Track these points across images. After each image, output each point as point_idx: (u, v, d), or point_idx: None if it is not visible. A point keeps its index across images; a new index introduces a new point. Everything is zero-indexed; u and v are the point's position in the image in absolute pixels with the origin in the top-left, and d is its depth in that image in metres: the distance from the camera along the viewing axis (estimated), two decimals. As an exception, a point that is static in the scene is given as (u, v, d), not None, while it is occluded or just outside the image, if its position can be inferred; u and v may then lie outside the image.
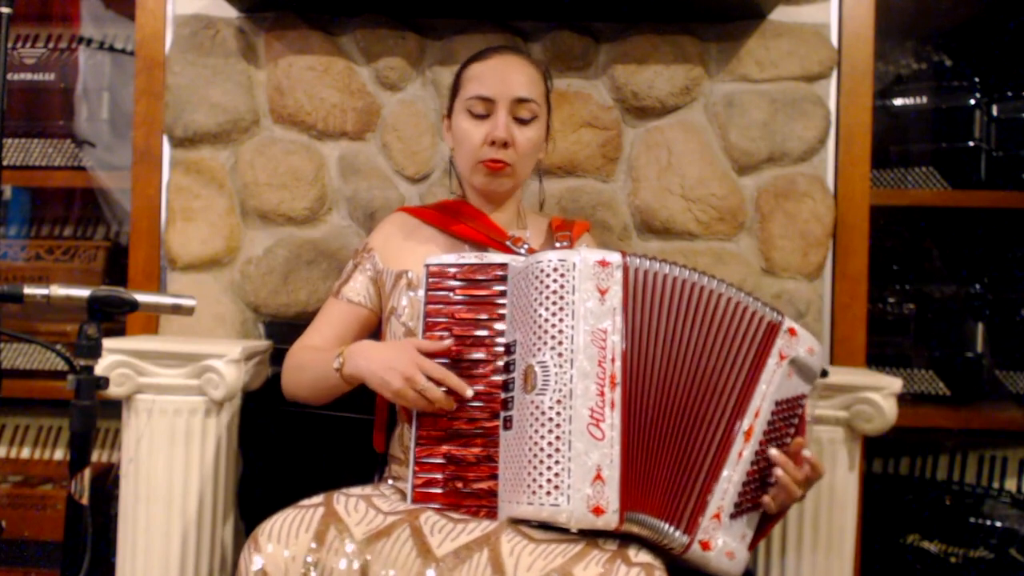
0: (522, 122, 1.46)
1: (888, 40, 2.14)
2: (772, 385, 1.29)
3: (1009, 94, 2.16)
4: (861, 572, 1.90)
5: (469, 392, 1.26)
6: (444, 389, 1.27)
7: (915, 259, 2.29)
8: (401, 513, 1.25)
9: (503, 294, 1.28)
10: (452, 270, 1.31)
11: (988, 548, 2.07)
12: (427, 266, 1.32)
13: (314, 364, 1.44)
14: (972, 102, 2.14)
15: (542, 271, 1.21)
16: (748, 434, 1.27)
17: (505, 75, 1.46)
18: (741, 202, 1.92)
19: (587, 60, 1.93)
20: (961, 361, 2.18)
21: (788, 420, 1.32)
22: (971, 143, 2.13)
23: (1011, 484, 2.19)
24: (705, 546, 1.24)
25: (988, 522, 2.11)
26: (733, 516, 1.27)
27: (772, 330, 1.30)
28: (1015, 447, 2.20)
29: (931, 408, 2.12)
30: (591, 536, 1.18)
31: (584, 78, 1.94)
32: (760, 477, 1.30)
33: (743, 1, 1.83)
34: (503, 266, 1.30)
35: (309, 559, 1.20)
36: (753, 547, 1.33)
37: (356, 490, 1.34)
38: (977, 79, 2.17)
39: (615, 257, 1.22)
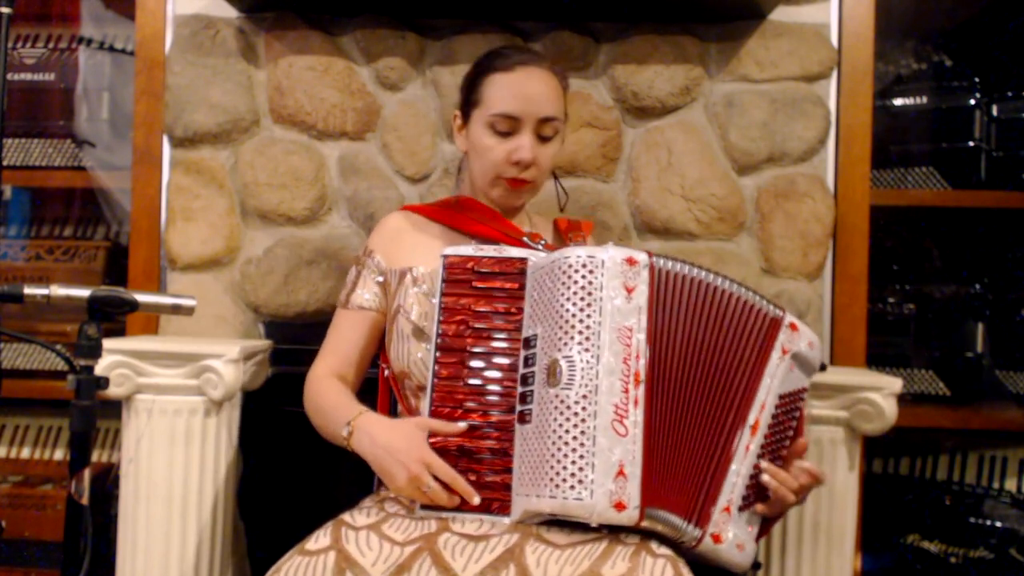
0: (544, 139, 1.43)
1: (888, 40, 2.14)
2: (776, 379, 1.30)
3: (1009, 94, 2.16)
4: (861, 572, 1.90)
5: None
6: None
7: (915, 259, 2.29)
8: (417, 541, 1.19)
9: (522, 287, 1.29)
10: (471, 263, 1.31)
11: (988, 548, 2.07)
12: (444, 256, 1.32)
13: (329, 416, 1.39)
14: (972, 102, 2.15)
15: (570, 266, 1.21)
16: (755, 428, 1.28)
17: (531, 92, 1.40)
18: (741, 202, 1.92)
19: (587, 60, 1.93)
20: (961, 361, 2.18)
21: (790, 413, 1.34)
22: (971, 143, 2.13)
23: (1011, 484, 2.19)
24: (716, 539, 1.25)
25: (988, 522, 2.11)
26: (741, 509, 1.28)
27: (774, 325, 1.31)
28: (1015, 447, 2.20)
29: (931, 408, 2.13)
30: (611, 533, 1.19)
31: (584, 78, 1.94)
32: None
33: (743, 1, 1.83)
34: (523, 260, 1.30)
35: None
36: (758, 540, 1.34)
37: (362, 518, 1.26)
38: (977, 79, 2.17)
39: (642, 256, 1.23)
